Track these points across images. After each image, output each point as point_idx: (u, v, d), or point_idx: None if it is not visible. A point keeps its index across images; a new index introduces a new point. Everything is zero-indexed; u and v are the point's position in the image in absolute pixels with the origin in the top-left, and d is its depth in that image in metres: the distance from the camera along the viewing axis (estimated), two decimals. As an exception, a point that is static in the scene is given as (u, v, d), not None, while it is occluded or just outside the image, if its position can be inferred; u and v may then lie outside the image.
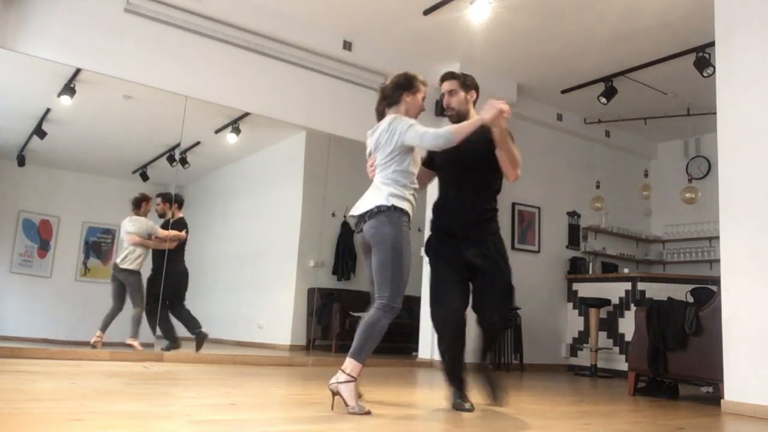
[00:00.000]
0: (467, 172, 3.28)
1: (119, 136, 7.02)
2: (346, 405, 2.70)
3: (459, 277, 3.23)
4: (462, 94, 3.31)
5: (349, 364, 2.79)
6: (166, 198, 6.36)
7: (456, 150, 3.02)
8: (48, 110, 6.26)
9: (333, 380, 2.78)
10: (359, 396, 2.84)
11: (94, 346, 5.60)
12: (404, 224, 2.92)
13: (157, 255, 6.18)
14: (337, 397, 2.75)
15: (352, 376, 2.76)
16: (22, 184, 6.62)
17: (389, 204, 2.90)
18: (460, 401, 3.09)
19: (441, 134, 2.87)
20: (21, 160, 6.49)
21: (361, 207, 2.99)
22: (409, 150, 3.00)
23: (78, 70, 5.48)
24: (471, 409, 3.01)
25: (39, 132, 6.29)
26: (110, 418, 2.23)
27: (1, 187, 6.45)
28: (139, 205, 6.25)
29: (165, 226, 6.28)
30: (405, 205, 2.93)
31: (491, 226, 3.29)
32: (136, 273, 6.04)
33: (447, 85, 3.34)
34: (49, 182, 6.82)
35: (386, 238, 2.88)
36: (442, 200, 3.38)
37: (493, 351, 3.39)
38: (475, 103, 3.37)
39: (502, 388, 3.35)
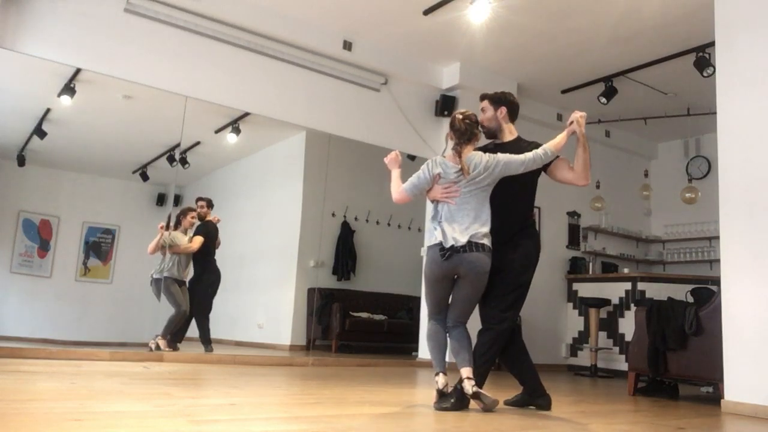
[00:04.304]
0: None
1: (119, 136, 7.02)
2: (487, 401, 3.03)
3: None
4: (491, 111, 3.51)
5: (469, 371, 3.07)
6: (208, 202, 6.46)
7: None
8: (48, 110, 6.26)
9: (468, 388, 3.01)
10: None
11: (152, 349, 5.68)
12: None
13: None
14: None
15: (476, 381, 3.08)
16: (22, 184, 6.63)
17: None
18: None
19: (539, 154, 3.27)
20: (21, 160, 6.49)
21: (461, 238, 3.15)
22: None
23: (78, 70, 5.49)
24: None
25: (39, 132, 6.29)
26: (110, 418, 2.23)
27: (1, 187, 6.46)
28: (179, 219, 6.28)
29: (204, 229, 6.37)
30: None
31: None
32: (158, 280, 6.07)
33: (480, 106, 3.57)
34: (49, 182, 6.82)
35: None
36: None
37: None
38: (512, 119, 3.57)
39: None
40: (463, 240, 3.10)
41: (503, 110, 3.50)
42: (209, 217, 6.41)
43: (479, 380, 3.14)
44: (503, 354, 3.37)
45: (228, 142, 7.05)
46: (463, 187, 3.19)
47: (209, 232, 6.32)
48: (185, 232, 6.22)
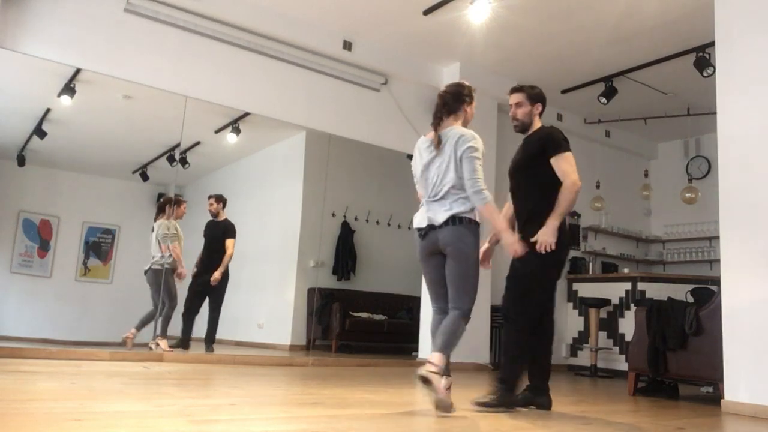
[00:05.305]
0: (514, 179, 3.52)
1: (119, 136, 7.02)
2: (437, 393, 2.81)
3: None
4: (528, 106, 3.48)
5: (438, 356, 2.89)
6: (219, 198, 6.52)
7: (514, 163, 3.51)
8: (48, 110, 6.26)
9: (422, 370, 2.83)
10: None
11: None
12: (479, 237, 3.13)
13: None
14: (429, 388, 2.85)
15: (439, 368, 2.86)
16: (22, 184, 6.62)
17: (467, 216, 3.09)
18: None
19: (482, 197, 3.03)
20: (21, 160, 6.49)
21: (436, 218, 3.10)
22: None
23: (78, 70, 5.48)
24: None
25: (39, 132, 6.28)
26: (110, 418, 2.23)
27: (1, 187, 6.45)
28: (163, 208, 6.26)
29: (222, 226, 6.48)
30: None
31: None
32: (158, 271, 6.08)
33: (514, 98, 3.53)
34: (49, 182, 6.82)
35: (470, 252, 3.07)
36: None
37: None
38: (541, 114, 3.54)
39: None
40: (440, 219, 3.07)
41: (539, 107, 3.51)
42: (221, 215, 6.49)
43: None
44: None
45: (228, 142, 7.05)
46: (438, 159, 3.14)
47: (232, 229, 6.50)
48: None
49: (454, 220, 3.05)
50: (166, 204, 6.28)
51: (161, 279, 5.95)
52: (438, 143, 3.14)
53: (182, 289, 6.33)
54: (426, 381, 2.80)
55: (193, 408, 2.67)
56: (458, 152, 3.07)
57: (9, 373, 3.49)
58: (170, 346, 5.76)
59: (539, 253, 3.21)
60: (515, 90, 3.54)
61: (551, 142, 3.36)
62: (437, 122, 3.20)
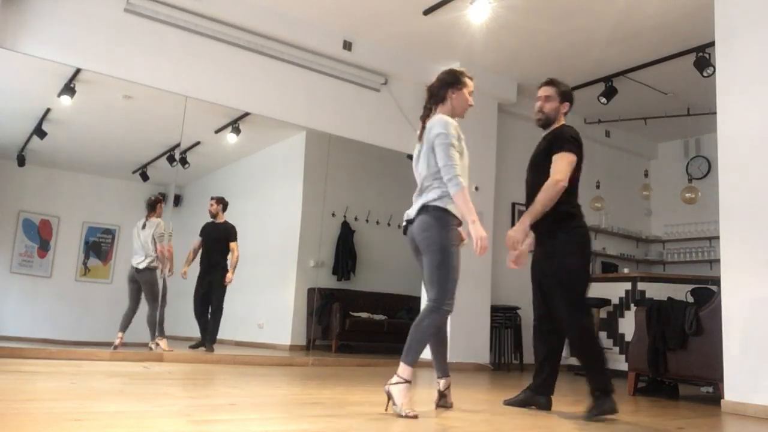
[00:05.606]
0: (529, 175, 3.45)
1: (119, 136, 7.02)
2: (394, 405, 2.75)
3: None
4: (557, 103, 3.40)
5: (400, 366, 2.83)
6: (220, 201, 6.57)
7: (531, 159, 3.42)
8: (48, 110, 6.26)
9: (387, 382, 2.83)
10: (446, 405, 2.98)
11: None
12: (451, 224, 2.93)
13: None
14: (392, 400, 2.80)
15: (403, 378, 2.80)
16: (22, 184, 6.61)
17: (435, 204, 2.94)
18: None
19: (454, 183, 2.86)
20: (21, 160, 6.48)
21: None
22: None
23: (78, 70, 5.48)
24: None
25: (39, 132, 6.28)
26: (110, 418, 2.23)
27: (1, 187, 6.44)
28: (155, 207, 6.27)
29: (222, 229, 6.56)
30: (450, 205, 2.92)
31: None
32: (150, 270, 6.07)
33: (545, 90, 3.43)
34: (49, 182, 6.81)
35: (434, 239, 2.89)
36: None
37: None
38: (566, 113, 3.47)
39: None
40: (412, 212, 3.01)
41: (566, 106, 3.45)
42: (221, 217, 6.55)
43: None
44: (542, 338, 3.39)
45: (228, 142, 7.05)
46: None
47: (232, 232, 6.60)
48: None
49: (421, 210, 2.96)
50: (157, 203, 6.29)
51: (156, 278, 5.96)
52: (420, 136, 3.06)
53: (183, 289, 6.34)
54: (388, 395, 2.79)
55: (193, 408, 2.67)
56: (430, 141, 2.96)
57: (9, 373, 3.49)
58: (190, 347, 5.93)
59: (567, 255, 3.19)
60: (548, 83, 3.45)
61: (559, 139, 3.31)
62: (425, 114, 3.09)
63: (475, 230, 2.82)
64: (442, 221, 2.90)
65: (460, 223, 2.99)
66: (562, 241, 3.24)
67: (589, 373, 3.20)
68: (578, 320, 3.19)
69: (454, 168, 2.88)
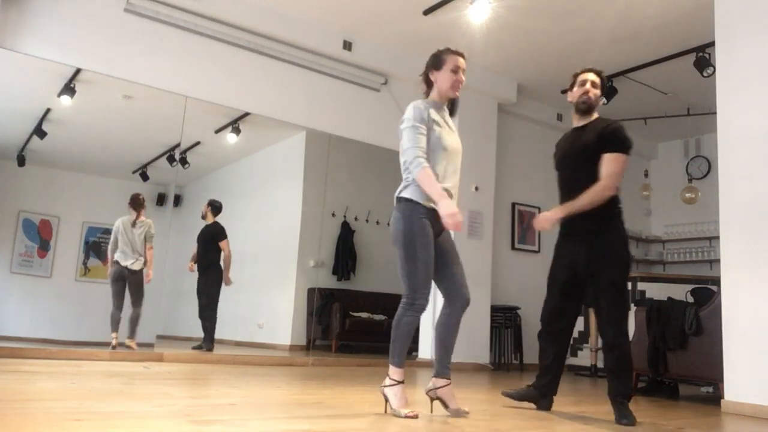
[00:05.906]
0: (569, 170, 3.41)
1: (119, 136, 7.02)
2: (391, 407, 2.77)
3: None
4: (600, 91, 3.37)
5: (390, 368, 2.82)
6: (210, 203, 6.69)
7: (566, 152, 3.38)
8: (48, 110, 6.26)
9: (381, 384, 2.84)
10: (447, 405, 2.91)
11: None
12: (417, 215, 2.81)
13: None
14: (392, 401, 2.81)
15: (394, 380, 2.80)
16: (22, 184, 6.61)
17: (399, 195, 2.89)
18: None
19: (415, 164, 2.79)
20: (21, 160, 6.48)
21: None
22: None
23: (78, 70, 5.48)
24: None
25: (39, 132, 6.28)
26: (110, 418, 2.23)
27: (1, 187, 6.44)
28: (144, 206, 6.28)
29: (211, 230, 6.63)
30: (415, 195, 2.83)
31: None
32: (139, 271, 6.10)
33: (593, 77, 3.36)
34: (49, 182, 6.81)
35: (399, 232, 2.83)
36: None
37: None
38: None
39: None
40: None
41: (602, 100, 3.47)
42: (209, 219, 6.63)
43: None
44: (552, 339, 3.37)
45: (228, 142, 7.05)
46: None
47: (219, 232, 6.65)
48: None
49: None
50: (143, 202, 6.32)
51: (143, 278, 6.04)
52: None
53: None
54: (384, 396, 2.82)
55: (193, 408, 2.67)
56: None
57: (9, 373, 3.49)
58: (193, 348, 5.97)
59: (621, 255, 3.15)
60: (594, 71, 3.39)
61: (615, 137, 3.22)
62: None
63: (443, 207, 2.73)
64: (406, 213, 2.82)
65: (433, 210, 2.82)
66: (614, 241, 3.18)
67: (619, 378, 3.17)
68: (626, 322, 3.14)
69: (414, 149, 2.80)
